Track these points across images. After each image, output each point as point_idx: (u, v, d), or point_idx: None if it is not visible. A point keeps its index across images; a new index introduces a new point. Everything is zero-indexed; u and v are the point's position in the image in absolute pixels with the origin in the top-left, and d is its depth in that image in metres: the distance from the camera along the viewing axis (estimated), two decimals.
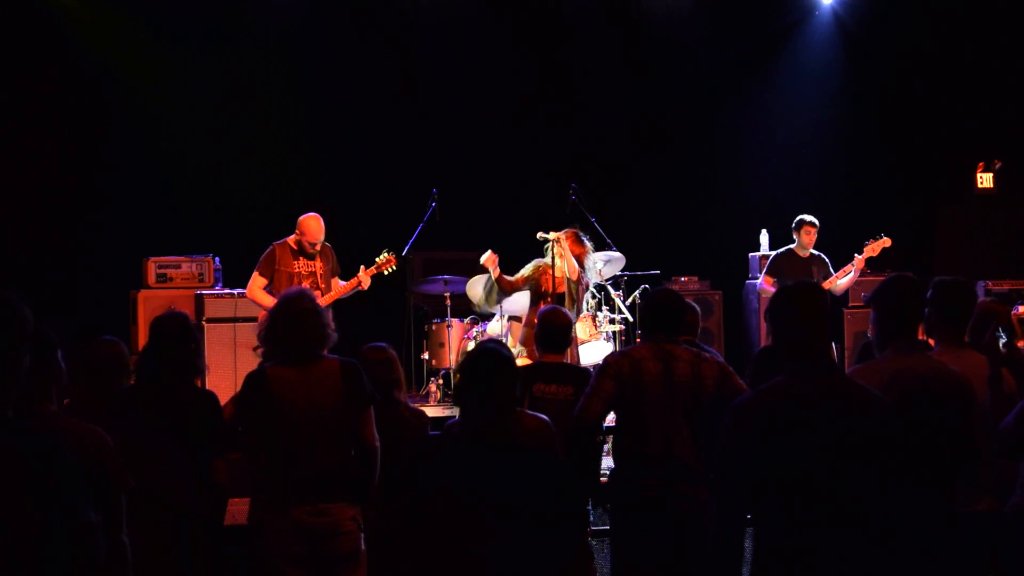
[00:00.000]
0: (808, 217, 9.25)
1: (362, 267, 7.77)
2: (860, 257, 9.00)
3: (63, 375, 3.38)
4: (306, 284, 7.38)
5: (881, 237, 9.07)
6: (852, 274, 9.02)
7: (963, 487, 3.75)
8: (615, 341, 9.00)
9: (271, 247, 7.64)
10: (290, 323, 4.28)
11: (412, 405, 5.39)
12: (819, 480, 2.91)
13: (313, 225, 7.58)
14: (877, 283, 3.90)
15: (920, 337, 3.87)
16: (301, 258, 7.60)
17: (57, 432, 2.48)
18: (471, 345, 9.02)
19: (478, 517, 3.15)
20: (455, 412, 8.88)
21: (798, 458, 2.93)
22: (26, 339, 2.47)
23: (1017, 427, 3.67)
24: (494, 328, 8.98)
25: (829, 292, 8.97)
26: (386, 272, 8.02)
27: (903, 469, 3.04)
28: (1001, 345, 3.95)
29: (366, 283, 7.75)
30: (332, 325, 4.41)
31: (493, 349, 3.42)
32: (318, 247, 7.60)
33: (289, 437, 4.24)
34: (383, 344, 5.04)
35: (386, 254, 8.00)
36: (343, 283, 7.73)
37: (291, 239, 7.66)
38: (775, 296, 3.21)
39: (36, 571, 2.36)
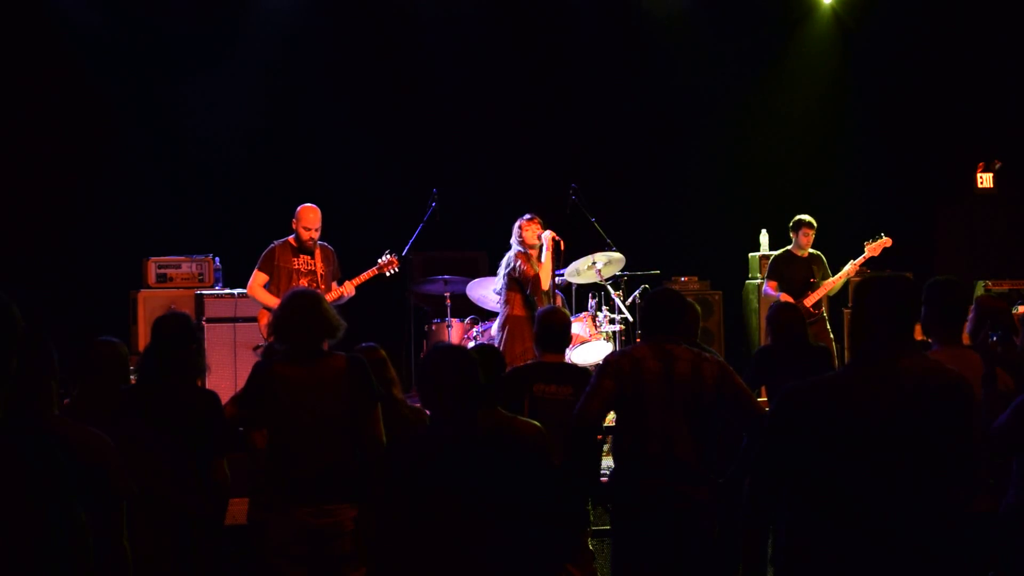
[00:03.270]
0: (806, 218, 9.25)
1: (346, 281, 7.76)
2: (854, 263, 9.04)
3: (57, 374, 3.37)
4: (304, 282, 7.40)
5: (881, 237, 9.08)
6: (847, 278, 9.07)
7: (964, 488, 3.75)
8: (615, 341, 9.00)
9: (271, 245, 7.66)
10: (303, 313, 4.29)
11: (412, 404, 5.39)
12: (810, 483, 2.91)
13: (310, 214, 7.59)
14: None
15: (918, 337, 3.88)
16: (301, 255, 7.61)
17: (55, 435, 2.47)
18: (471, 345, 9.02)
19: (459, 516, 3.15)
20: None
21: (836, 452, 2.92)
22: (15, 340, 2.45)
23: (1011, 425, 3.67)
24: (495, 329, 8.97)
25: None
26: (387, 274, 8.03)
27: (898, 468, 3.04)
28: (997, 343, 3.95)
29: (349, 291, 7.73)
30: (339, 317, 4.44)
31: (447, 347, 3.45)
32: (312, 234, 7.58)
33: (291, 436, 4.25)
34: (372, 344, 5.04)
35: (388, 255, 8.01)
36: (338, 287, 7.71)
37: (291, 238, 7.67)
38: (864, 288, 3.22)
39: (36, 572, 2.36)
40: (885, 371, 3.56)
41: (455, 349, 3.47)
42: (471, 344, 9.04)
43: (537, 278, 8.08)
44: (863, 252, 9.11)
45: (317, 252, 7.66)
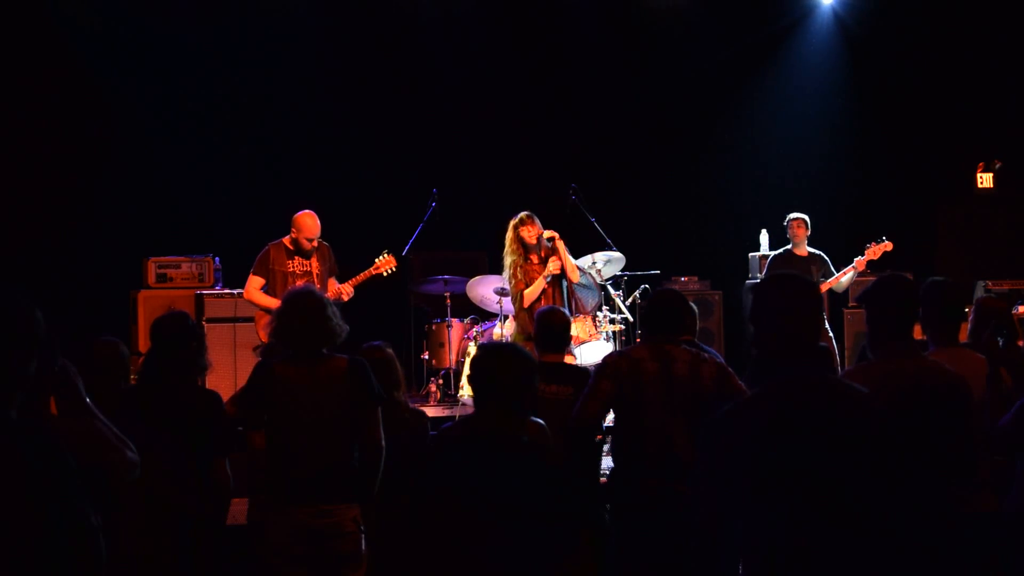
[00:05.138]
0: (794, 214, 9.30)
1: (344, 283, 7.71)
2: (861, 259, 9.02)
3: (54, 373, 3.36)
4: (300, 283, 7.36)
5: (883, 241, 9.08)
6: (852, 274, 9.04)
7: (962, 487, 3.76)
8: (615, 341, 9.00)
9: (266, 247, 7.61)
10: (306, 317, 4.28)
11: (412, 405, 5.40)
12: (810, 483, 2.90)
13: (308, 222, 7.52)
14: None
15: (918, 337, 3.87)
16: (296, 257, 7.58)
17: (55, 435, 2.47)
18: (471, 345, 9.03)
19: (493, 519, 3.15)
20: (455, 412, 8.90)
21: (787, 462, 2.90)
22: (36, 342, 2.46)
23: (1015, 425, 3.68)
24: (498, 329, 8.97)
25: (828, 290, 9.03)
26: (385, 273, 8.00)
27: (898, 469, 3.04)
28: (1000, 343, 3.95)
29: (348, 293, 7.68)
30: (340, 317, 4.43)
31: (502, 346, 3.45)
32: (315, 243, 7.56)
33: (292, 436, 4.24)
34: (379, 343, 5.03)
35: (385, 255, 7.99)
36: (338, 285, 7.69)
37: (286, 239, 7.63)
38: (761, 289, 3.06)
39: (36, 572, 2.35)
40: (884, 371, 3.57)
41: (496, 348, 3.47)
42: (471, 344, 9.05)
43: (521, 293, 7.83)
44: (864, 255, 9.11)
45: (313, 252, 7.64)
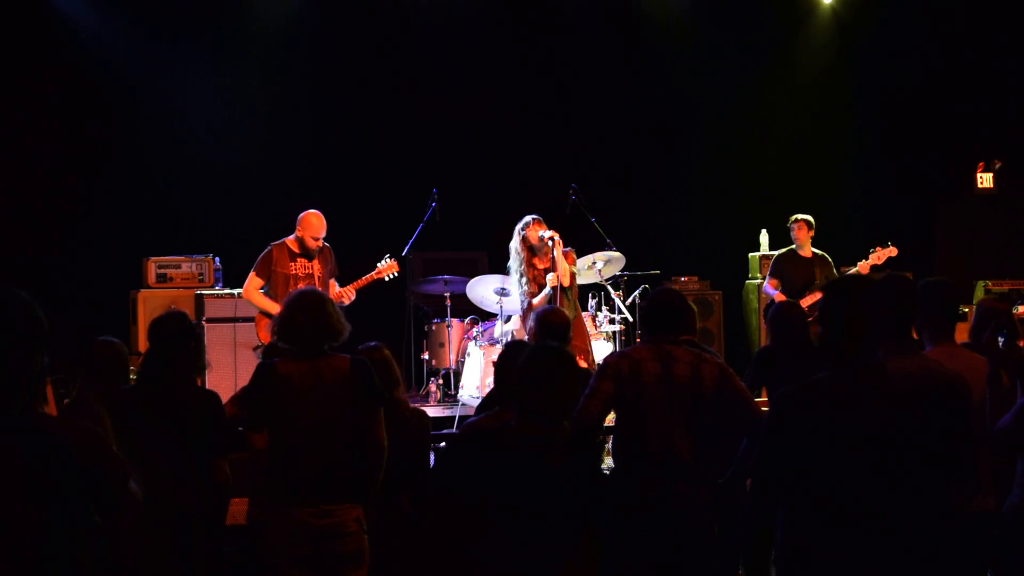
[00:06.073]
0: (799, 215, 9.29)
1: (346, 286, 7.73)
2: (864, 263, 9.02)
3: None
4: (302, 286, 7.35)
5: (888, 246, 9.08)
6: None
7: (962, 487, 3.76)
8: (615, 341, 9.00)
9: (268, 248, 7.57)
10: (308, 315, 4.28)
11: (412, 405, 5.40)
12: (809, 483, 2.91)
13: (315, 221, 7.50)
14: None
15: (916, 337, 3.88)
16: (299, 259, 7.55)
17: (56, 435, 2.47)
18: (471, 345, 9.02)
19: (493, 518, 3.16)
20: (455, 412, 8.87)
21: (833, 453, 2.93)
22: (42, 342, 2.46)
23: (1015, 426, 3.68)
24: (497, 329, 8.97)
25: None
26: (387, 278, 8.00)
27: (898, 468, 3.05)
28: (1001, 344, 3.95)
29: (349, 296, 7.69)
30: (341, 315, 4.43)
31: (516, 346, 3.46)
32: (320, 244, 7.54)
33: (292, 436, 4.24)
34: (376, 344, 5.03)
35: (388, 259, 7.98)
36: (338, 288, 7.68)
37: (289, 240, 7.59)
38: (833, 287, 3.28)
39: (36, 572, 2.35)
40: (883, 371, 3.57)
41: (509, 348, 3.47)
42: (471, 344, 9.04)
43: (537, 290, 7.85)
44: (868, 257, 9.11)
45: (316, 254, 7.62)
